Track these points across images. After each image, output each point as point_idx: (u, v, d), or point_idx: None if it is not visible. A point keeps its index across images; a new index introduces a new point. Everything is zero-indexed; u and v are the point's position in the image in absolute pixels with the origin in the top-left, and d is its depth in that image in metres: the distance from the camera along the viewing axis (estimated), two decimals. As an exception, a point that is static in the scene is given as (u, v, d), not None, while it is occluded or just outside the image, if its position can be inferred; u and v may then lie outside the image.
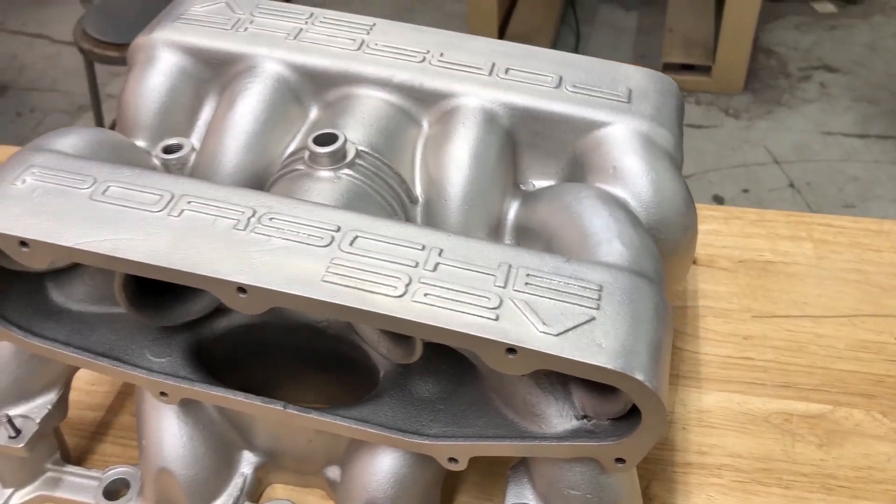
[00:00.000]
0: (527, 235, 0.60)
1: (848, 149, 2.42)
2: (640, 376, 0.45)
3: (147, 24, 0.69)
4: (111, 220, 0.51)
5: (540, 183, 0.64)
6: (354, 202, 0.57)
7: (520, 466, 0.56)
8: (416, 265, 0.49)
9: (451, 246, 0.50)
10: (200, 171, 0.62)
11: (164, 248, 0.49)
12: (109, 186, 0.53)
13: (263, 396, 0.55)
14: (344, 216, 0.52)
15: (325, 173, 0.57)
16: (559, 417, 0.52)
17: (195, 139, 0.66)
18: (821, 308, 0.74)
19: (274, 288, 0.48)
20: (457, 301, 0.47)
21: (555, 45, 2.72)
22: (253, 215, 0.51)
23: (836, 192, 2.28)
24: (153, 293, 0.58)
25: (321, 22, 0.67)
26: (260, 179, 0.62)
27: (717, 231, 0.81)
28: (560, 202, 0.58)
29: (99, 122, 2.13)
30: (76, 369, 0.64)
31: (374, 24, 0.67)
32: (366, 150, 0.60)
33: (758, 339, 0.72)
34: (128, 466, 0.64)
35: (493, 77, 0.63)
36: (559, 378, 0.53)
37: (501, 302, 0.48)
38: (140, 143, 0.65)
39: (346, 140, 0.58)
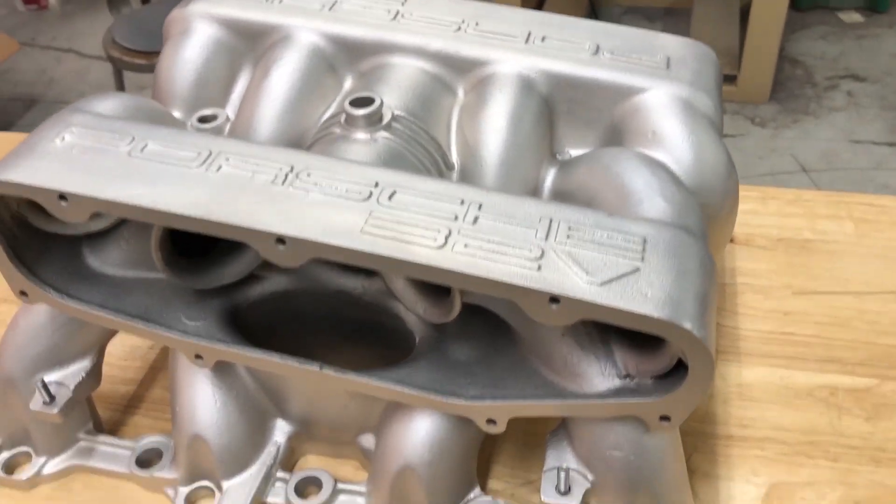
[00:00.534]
0: (565, 200, 0.59)
1: (878, 157, 2.40)
2: (687, 324, 0.44)
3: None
4: (149, 175, 0.50)
5: (576, 152, 0.63)
6: (391, 163, 0.56)
7: (559, 431, 0.55)
8: (456, 218, 0.48)
9: (490, 201, 0.50)
10: (236, 138, 0.62)
11: (202, 201, 0.49)
12: (147, 144, 0.53)
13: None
14: (382, 173, 0.51)
15: (361, 135, 0.57)
16: (601, 377, 0.51)
17: (230, 111, 0.66)
18: (863, 284, 0.72)
19: (313, 238, 0.47)
20: (498, 252, 0.47)
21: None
22: (291, 171, 0.51)
23: (867, 199, 2.25)
24: (189, 256, 0.57)
25: (356, -6, 0.67)
26: (295, 147, 0.62)
27: (753, 211, 0.80)
28: (599, 164, 0.57)
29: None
30: (110, 338, 0.63)
31: (409, -3, 0.67)
32: (402, 114, 0.59)
33: (799, 314, 0.70)
34: (160, 436, 0.63)
35: (529, 45, 0.63)
36: (601, 337, 0.52)
37: (543, 253, 0.47)
38: (175, 114, 0.65)
39: (382, 103, 0.58)
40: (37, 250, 0.57)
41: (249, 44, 0.66)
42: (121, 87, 2.08)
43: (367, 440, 0.61)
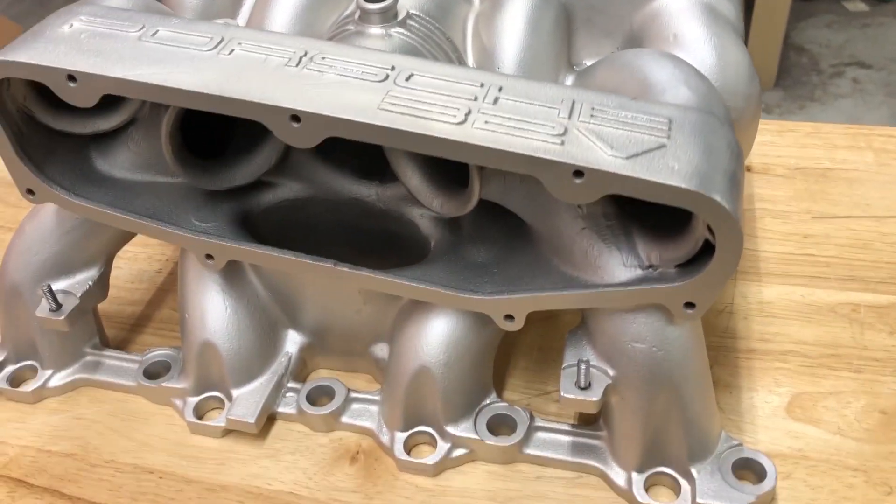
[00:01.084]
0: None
1: (884, 141, 2.38)
2: (717, 196, 0.43)
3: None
4: (161, 57, 0.49)
5: (594, 64, 0.62)
6: (407, 58, 0.55)
7: (577, 330, 0.54)
8: (476, 98, 0.47)
9: (511, 84, 0.48)
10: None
11: (215, 80, 0.47)
12: (159, 30, 0.51)
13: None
14: (398, 58, 0.50)
15: (376, 30, 0.56)
16: (623, 268, 0.50)
17: (241, 21, 0.64)
18: (884, 209, 0.71)
19: (329, 114, 0.46)
20: (519, 129, 0.45)
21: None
22: (305, 55, 0.50)
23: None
24: (199, 156, 0.56)
25: None
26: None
27: (770, 142, 0.79)
28: (620, 61, 0.56)
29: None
30: (117, 247, 0.62)
31: None
32: (417, 13, 0.58)
33: (819, 237, 0.69)
34: (168, 349, 0.62)
35: (546, -49, 0.62)
36: (622, 228, 0.50)
37: (566, 130, 0.45)
38: (185, 24, 0.64)
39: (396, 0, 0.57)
40: (44, 150, 0.56)
41: (260, -47, 0.65)
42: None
43: (380, 349, 0.59)
